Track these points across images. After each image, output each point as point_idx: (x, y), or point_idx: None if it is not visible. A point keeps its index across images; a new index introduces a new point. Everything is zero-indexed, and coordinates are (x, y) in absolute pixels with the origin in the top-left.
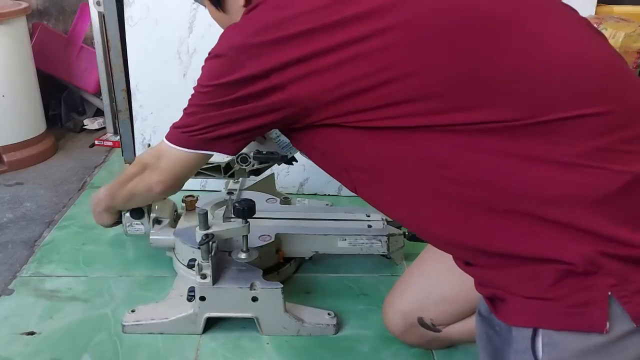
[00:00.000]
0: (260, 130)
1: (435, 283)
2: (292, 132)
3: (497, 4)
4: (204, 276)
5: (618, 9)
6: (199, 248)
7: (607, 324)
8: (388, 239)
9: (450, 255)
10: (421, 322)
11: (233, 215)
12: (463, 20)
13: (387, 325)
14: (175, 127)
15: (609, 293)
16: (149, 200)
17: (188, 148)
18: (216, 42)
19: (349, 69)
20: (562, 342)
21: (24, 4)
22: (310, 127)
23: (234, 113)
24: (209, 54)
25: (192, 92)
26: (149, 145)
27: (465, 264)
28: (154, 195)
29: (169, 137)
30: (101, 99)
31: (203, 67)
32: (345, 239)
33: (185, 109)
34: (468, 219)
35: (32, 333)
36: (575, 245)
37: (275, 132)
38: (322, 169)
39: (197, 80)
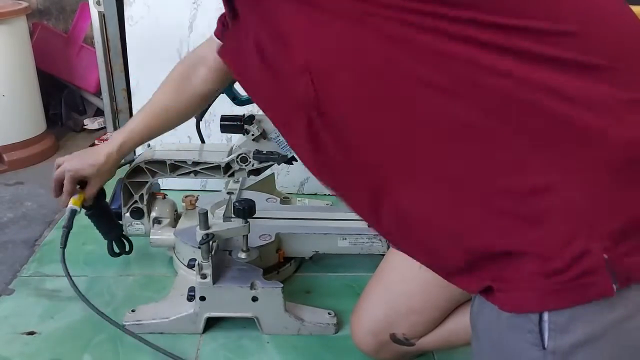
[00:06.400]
0: None
1: (401, 295)
2: None
3: None
4: (204, 276)
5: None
6: (199, 248)
7: (614, 286)
8: None
9: (411, 261)
10: (394, 338)
11: (233, 215)
12: None
13: (358, 346)
14: None
15: (605, 256)
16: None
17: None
18: None
19: None
20: (570, 321)
21: (24, 4)
22: None
23: None
24: None
25: None
26: (148, 145)
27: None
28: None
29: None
30: (101, 99)
31: None
32: (346, 239)
33: None
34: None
35: (32, 333)
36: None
37: (275, 132)
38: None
39: None
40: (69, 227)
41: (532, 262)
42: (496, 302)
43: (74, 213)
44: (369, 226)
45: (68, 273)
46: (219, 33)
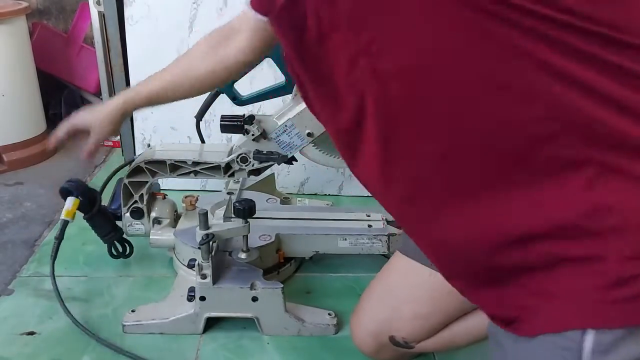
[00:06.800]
0: None
1: (407, 300)
2: None
3: None
4: (204, 276)
5: None
6: (199, 248)
7: None
8: (388, 238)
9: (419, 267)
10: (393, 341)
11: (233, 215)
12: None
13: (357, 345)
14: None
15: None
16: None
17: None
18: None
19: None
20: (614, 343)
21: (24, 4)
22: None
23: None
24: None
25: None
26: (149, 145)
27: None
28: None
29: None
30: (101, 99)
31: None
32: (346, 239)
33: None
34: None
35: (32, 333)
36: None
37: (275, 132)
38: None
39: None
40: (60, 238)
41: (587, 274)
42: (525, 328)
43: (65, 224)
44: (369, 226)
45: (56, 286)
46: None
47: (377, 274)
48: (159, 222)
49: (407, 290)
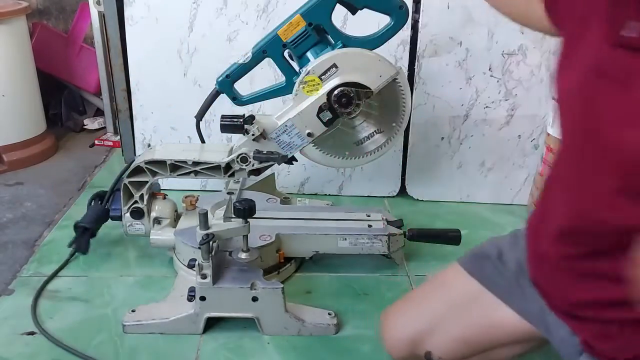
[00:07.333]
0: None
1: (459, 321)
2: None
3: None
4: (204, 276)
5: None
6: (199, 248)
7: None
8: (388, 238)
9: (486, 292)
10: (428, 356)
11: (233, 215)
12: None
13: (387, 348)
14: None
15: None
16: None
17: None
18: None
19: None
20: None
21: (24, 4)
22: None
23: None
24: None
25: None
26: (149, 145)
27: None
28: None
29: None
30: (101, 99)
31: None
32: (346, 239)
33: None
34: None
35: (32, 333)
36: None
37: (275, 132)
38: None
39: None
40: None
41: None
42: None
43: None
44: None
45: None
46: None
47: (433, 279)
48: (159, 222)
49: (466, 314)
